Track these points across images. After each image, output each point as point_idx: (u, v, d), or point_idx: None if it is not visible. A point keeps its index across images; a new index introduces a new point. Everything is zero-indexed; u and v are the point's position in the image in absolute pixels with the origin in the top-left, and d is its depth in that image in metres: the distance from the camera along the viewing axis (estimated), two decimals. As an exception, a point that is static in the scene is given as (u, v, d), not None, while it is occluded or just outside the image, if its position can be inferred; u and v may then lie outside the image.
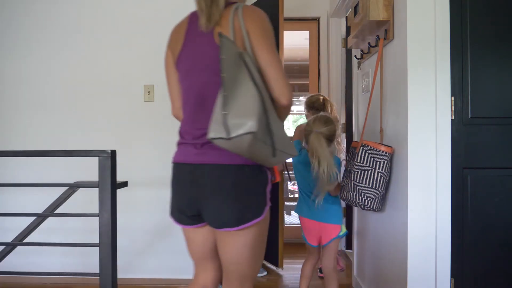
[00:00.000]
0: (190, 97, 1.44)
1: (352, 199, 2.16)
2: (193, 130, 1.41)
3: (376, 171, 2.08)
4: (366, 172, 2.09)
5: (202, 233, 1.48)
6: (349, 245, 3.86)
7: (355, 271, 2.96)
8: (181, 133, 1.49)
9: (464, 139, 1.95)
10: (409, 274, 1.95)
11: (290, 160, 2.53)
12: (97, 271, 1.74)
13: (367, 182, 2.09)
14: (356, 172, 2.11)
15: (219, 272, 1.59)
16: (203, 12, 1.37)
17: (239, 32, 1.31)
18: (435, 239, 1.95)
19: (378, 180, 2.08)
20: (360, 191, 2.11)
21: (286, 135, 1.32)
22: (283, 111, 1.36)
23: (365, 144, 2.12)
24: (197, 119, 1.39)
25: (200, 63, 1.38)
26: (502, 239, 1.95)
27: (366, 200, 2.11)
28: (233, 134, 1.13)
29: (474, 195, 1.95)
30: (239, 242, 1.37)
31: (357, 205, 2.16)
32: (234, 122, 1.13)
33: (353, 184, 2.12)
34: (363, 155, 2.11)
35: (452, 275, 1.95)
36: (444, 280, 1.94)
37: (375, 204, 2.12)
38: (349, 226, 3.86)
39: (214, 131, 1.16)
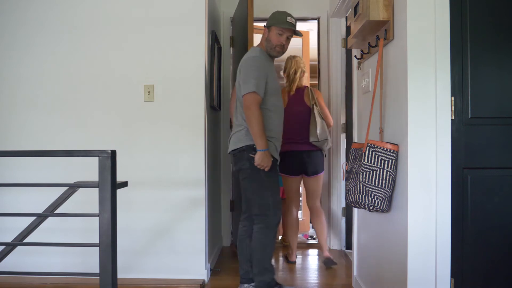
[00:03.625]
0: (294, 124, 3.39)
1: (360, 200, 2.13)
2: (298, 137, 3.45)
3: (385, 170, 2.07)
4: (374, 172, 2.08)
5: (297, 179, 3.55)
6: (349, 245, 3.86)
7: (355, 271, 2.96)
8: (291, 138, 3.39)
9: (464, 139, 1.95)
10: (409, 274, 1.95)
11: None
12: (97, 271, 1.74)
13: (377, 182, 2.07)
14: (364, 173, 2.09)
15: (299, 204, 3.66)
16: (292, 92, 3.54)
17: (313, 98, 3.45)
18: (435, 239, 1.95)
19: (387, 179, 2.07)
20: (370, 192, 2.09)
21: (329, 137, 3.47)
22: (330, 128, 3.53)
23: (371, 144, 2.11)
24: (300, 132, 3.43)
25: (298, 110, 3.46)
26: (502, 239, 1.95)
27: (376, 201, 2.09)
28: (320, 139, 3.38)
29: (474, 195, 1.95)
30: (318, 180, 3.54)
31: (366, 206, 2.14)
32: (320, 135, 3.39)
33: (362, 185, 2.10)
34: (370, 155, 2.10)
35: (452, 275, 1.94)
36: (444, 280, 1.94)
37: (384, 204, 2.10)
38: (349, 226, 3.86)
39: (312, 138, 3.38)
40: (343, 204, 3.99)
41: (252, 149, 2.59)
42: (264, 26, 2.80)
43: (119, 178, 1.82)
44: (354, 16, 2.39)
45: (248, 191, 2.69)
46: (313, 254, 3.95)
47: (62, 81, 3.09)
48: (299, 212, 4.34)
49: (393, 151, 2.08)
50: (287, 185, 3.56)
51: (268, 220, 2.64)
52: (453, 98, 1.95)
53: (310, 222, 4.67)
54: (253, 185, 2.64)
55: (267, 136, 2.61)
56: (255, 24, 4.16)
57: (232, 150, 2.69)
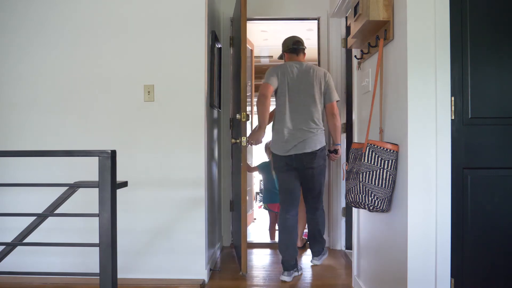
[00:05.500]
0: None
1: (360, 200, 2.13)
2: None
3: (385, 170, 2.07)
4: (374, 172, 2.08)
5: None
6: (349, 245, 3.86)
7: (355, 271, 2.96)
8: None
9: (464, 139, 1.95)
10: (409, 274, 1.95)
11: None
12: (97, 271, 1.74)
13: (377, 182, 2.08)
14: (364, 173, 2.09)
15: None
16: None
17: None
18: (435, 239, 1.95)
19: (387, 179, 2.07)
20: (370, 192, 2.09)
21: None
22: None
23: (371, 144, 2.11)
24: None
25: None
26: (502, 239, 1.95)
27: (376, 201, 2.09)
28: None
29: (474, 195, 1.95)
30: None
31: (366, 206, 2.14)
32: None
33: (362, 185, 2.10)
34: (370, 155, 2.10)
35: (452, 275, 1.95)
36: (444, 280, 1.94)
37: (384, 204, 2.10)
38: (349, 226, 3.86)
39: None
40: (343, 204, 3.99)
41: (325, 149, 3.25)
42: (304, 50, 3.43)
43: (119, 178, 1.82)
44: (354, 16, 2.39)
45: (318, 184, 3.27)
46: (313, 254, 3.95)
47: (62, 81, 3.09)
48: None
49: (393, 151, 2.08)
50: None
51: (323, 207, 3.43)
52: (453, 98, 1.95)
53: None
54: (323, 180, 3.30)
55: None
56: (259, 23, 4.19)
57: (316, 150, 3.16)
